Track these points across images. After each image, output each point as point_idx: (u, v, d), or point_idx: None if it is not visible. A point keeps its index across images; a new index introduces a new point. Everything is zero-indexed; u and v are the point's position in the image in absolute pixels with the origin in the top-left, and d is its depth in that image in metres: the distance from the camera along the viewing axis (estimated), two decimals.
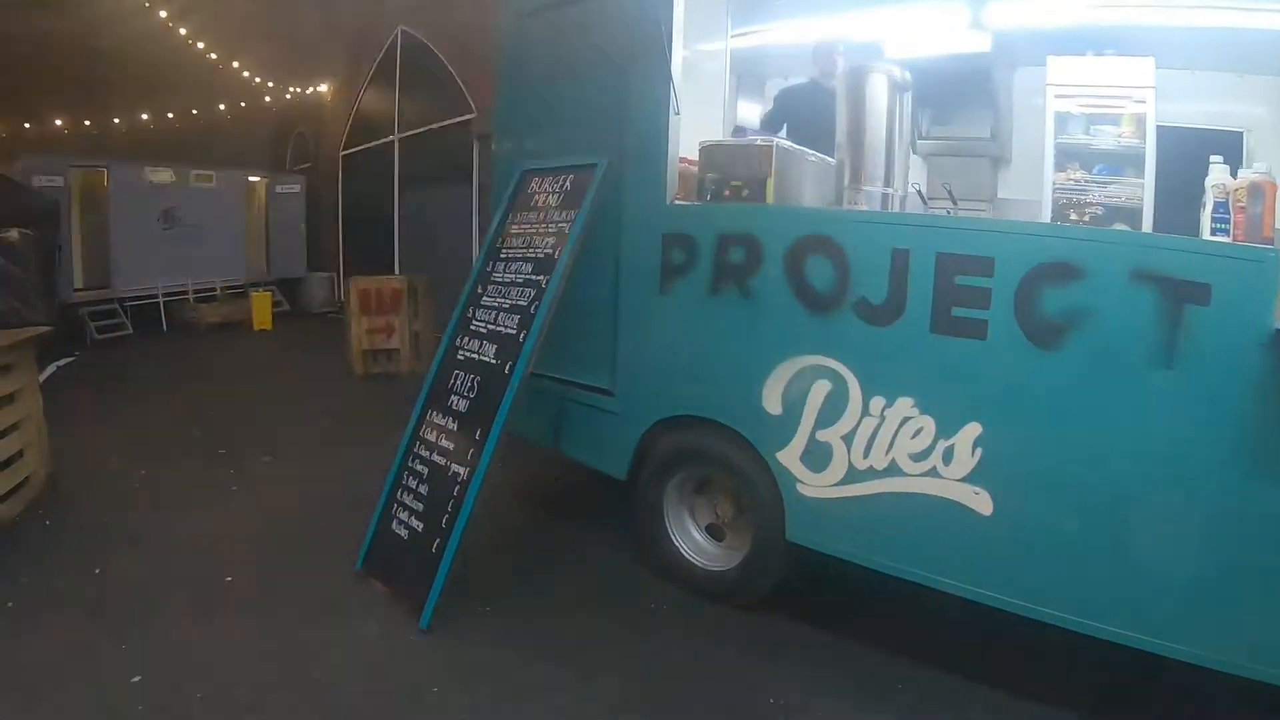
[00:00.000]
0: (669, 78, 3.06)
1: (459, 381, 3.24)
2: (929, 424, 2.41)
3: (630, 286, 3.25)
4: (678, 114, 3.09)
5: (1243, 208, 2.72)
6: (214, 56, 11.76)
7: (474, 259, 9.29)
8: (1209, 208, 2.88)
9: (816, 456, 2.63)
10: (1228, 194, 2.80)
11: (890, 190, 3.26)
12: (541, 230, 3.33)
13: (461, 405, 3.17)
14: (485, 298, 3.37)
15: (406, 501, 3.16)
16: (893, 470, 2.47)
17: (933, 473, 2.40)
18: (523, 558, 3.46)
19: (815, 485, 2.65)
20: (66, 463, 4.46)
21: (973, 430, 2.34)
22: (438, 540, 2.92)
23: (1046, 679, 2.60)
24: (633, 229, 3.21)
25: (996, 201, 4.72)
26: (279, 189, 12.37)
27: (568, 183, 3.35)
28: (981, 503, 2.35)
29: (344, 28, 12.05)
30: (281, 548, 3.54)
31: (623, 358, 3.31)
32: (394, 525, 3.16)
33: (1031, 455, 2.27)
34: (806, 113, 4.03)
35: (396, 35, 10.81)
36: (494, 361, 3.14)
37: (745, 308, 2.76)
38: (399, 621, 2.89)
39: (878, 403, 2.49)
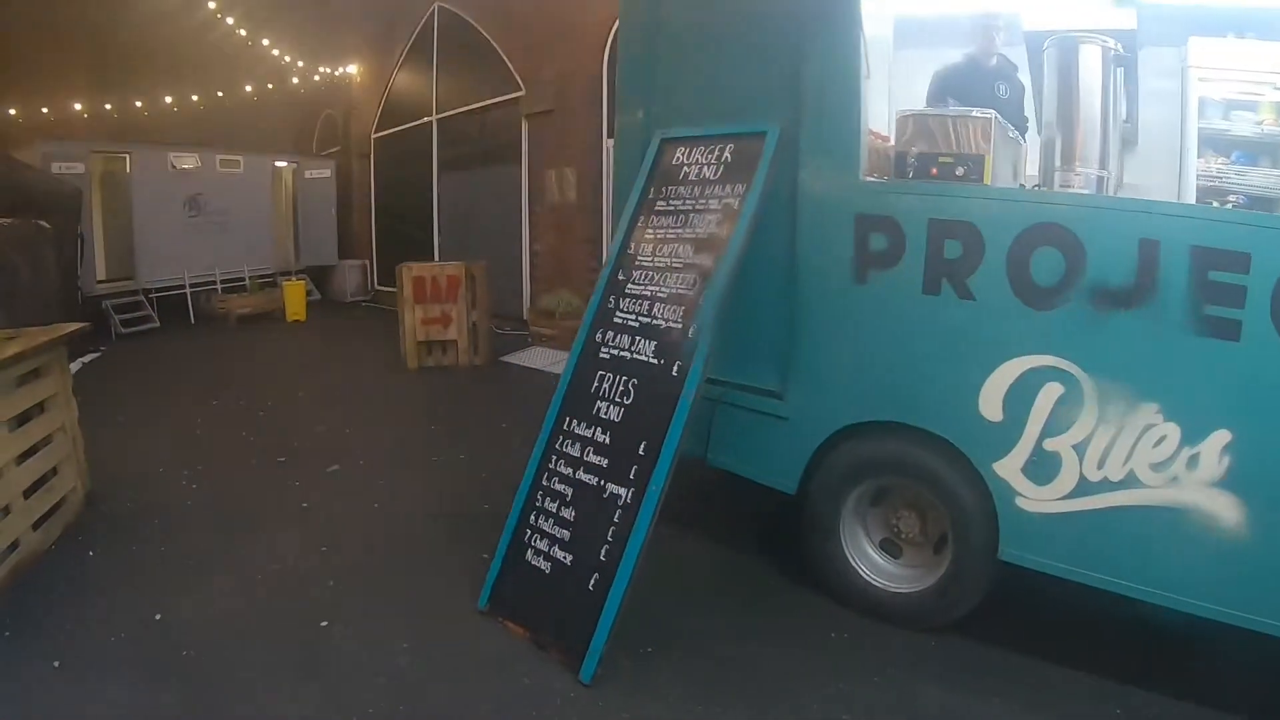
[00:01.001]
0: (859, 32, 2.59)
1: (606, 385, 2.72)
2: (1173, 431, 2.16)
3: (812, 275, 2.77)
4: (868, 77, 2.63)
5: None
6: (243, 33, 11.19)
7: (525, 243, 9.47)
8: None
9: (1042, 467, 2.34)
10: None
11: (1105, 173, 2.82)
12: (699, 207, 2.81)
13: (613, 413, 2.65)
14: (631, 285, 2.84)
15: (545, 528, 2.64)
16: (1130, 481, 2.23)
17: (1174, 483, 2.17)
18: (674, 584, 2.95)
19: (1038, 499, 2.37)
20: (105, 476, 3.92)
21: (1221, 438, 2.10)
22: (596, 576, 2.43)
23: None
24: (814, 208, 2.74)
25: (1124, 187, 4.31)
26: (308, 174, 11.84)
27: (727, 153, 2.84)
28: (1229, 516, 2.11)
29: (375, 4, 11.50)
30: (379, 582, 3.03)
31: (800, 356, 2.83)
32: (529, 556, 2.65)
33: None
34: (967, 93, 3.58)
35: (434, 11, 10.24)
36: (655, 361, 2.62)
37: (964, 306, 2.42)
38: (550, 673, 2.41)
39: (1116, 409, 2.21)
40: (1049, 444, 2.32)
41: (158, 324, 9.30)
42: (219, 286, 10.34)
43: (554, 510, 2.65)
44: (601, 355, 2.80)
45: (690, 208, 2.83)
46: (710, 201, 2.78)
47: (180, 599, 2.83)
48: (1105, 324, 2.21)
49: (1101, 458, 2.25)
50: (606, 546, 2.44)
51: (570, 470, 2.67)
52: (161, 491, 3.94)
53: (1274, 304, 2.01)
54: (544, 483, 2.72)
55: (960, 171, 2.58)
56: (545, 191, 8.76)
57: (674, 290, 2.71)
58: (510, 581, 2.69)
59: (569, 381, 2.83)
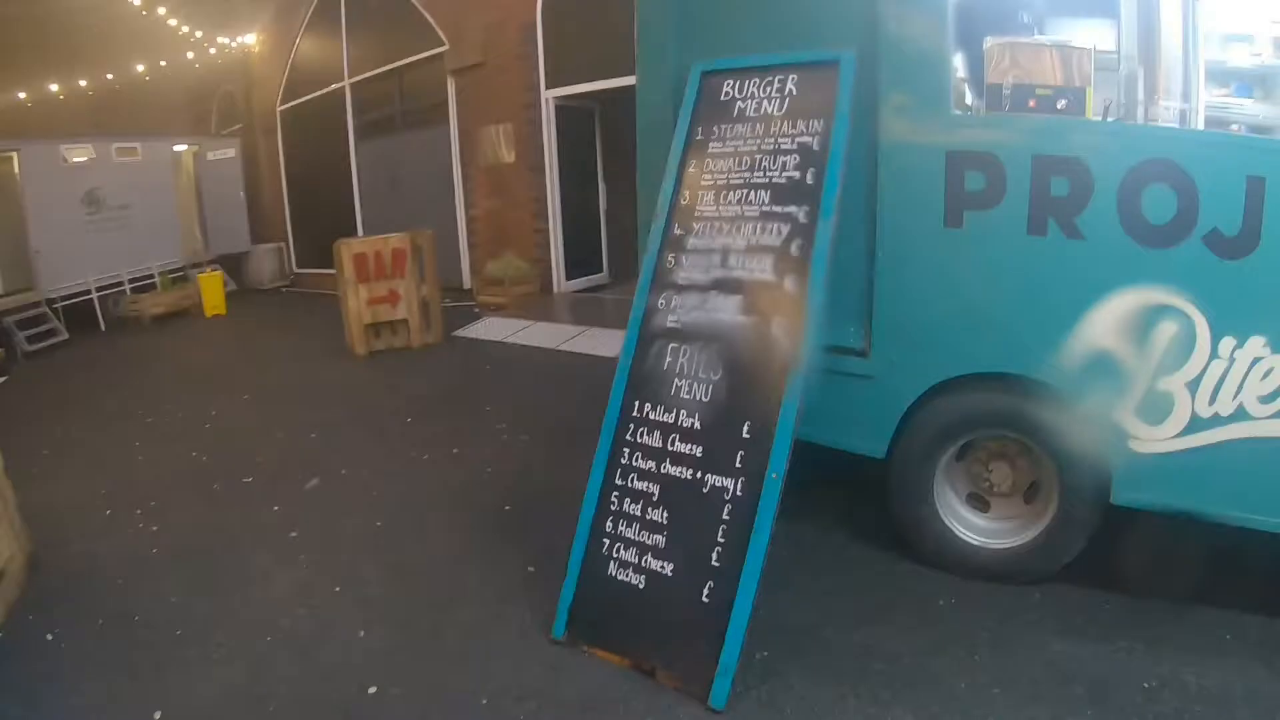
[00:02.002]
0: None
1: (684, 359, 2.35)
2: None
3: (897, 219, 2.48)
4: None
5: None
6: (137, 1, 9.79)
7: (460, 209, 8.79)
8: None
9: (1154, 408, 2.27)
10: None
11: (1188, 106, 2.71)
12: (766, 147, 2.45)
13: (700, 391, 2.28)
14: (694, 239, 2.47)
15: (630, 535, 2.28)
16: (1239, 415, 2.19)
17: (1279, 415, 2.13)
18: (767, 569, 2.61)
19: (1151, 439, 2.30)
20: (45, 531, 3.21)
21: None
22: (710, 584, 2.10)
23: None
24: (898, 145, 2.44)
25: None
26: (211, 156, 10.66)
27: (790, 85, 2.47)
28: None
29: None
30: (418, 621, 2.54)
31: (886, 309, 2.55)
32: (614, 571, 2.28)
33: None
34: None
35: None
36: (745, 319, 2.29)
37: (1072, 247, 2.27)
38: (670, 704, 2.06)
39: (1228, 344, 2.16)
40: (1163, 383, 2.24)
41: (66, 336, 8.20)
42: (127, 287, 9.19)
43: (638, 514, 2.27)
44: (669, 324, 2.41)
45: (756, 148, 2.45)
46: (782, 141, 2.41)
47: (177, 683, 2.27)
48: (1218, 260, 2.12)
49: (1213, 393, 2.19)
50: (719, 549, 2.10)
51: (653, 464, 2.29)
52: (117, 540, 3.29)
53: None
54: (619, 482, 2.34)
55: (1062, 104, 2.41)
56: (479, 152, 8.16)
57: (754, 241, 2.34)
58: (592, 602, 2.30)
59: (631, 359, 2.43)
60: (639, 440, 2.34)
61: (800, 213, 2.30)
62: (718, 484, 2.16)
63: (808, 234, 2.26)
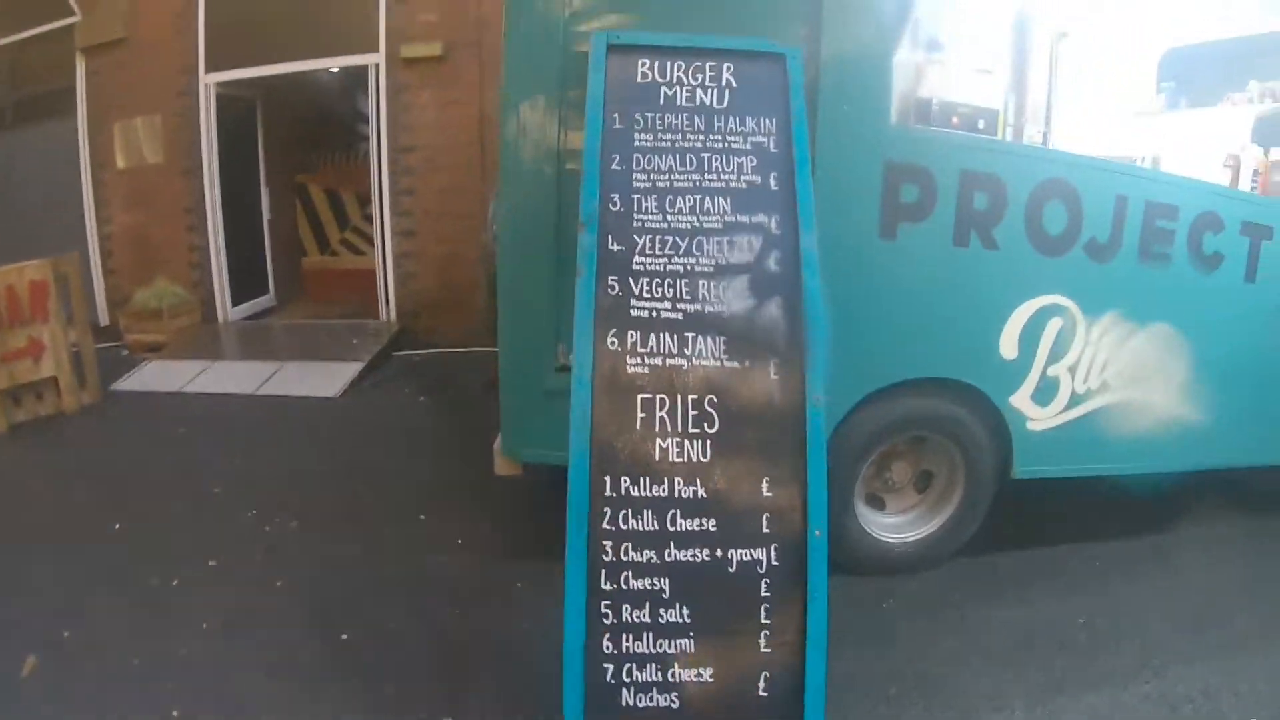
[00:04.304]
0: None
1: (664, 412, 1.86)
2: (1138, 341, 2.65)
3: (833, 231, 2.32)
4: None
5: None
6: None
7: (91, 224, 6.30)
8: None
9: (1046, 391, 2.63)
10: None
11: (1048, 130, 3.35)
12: (715, 145, 2.06)
13: (696, 450, 1.84)
14: (643, 257, 1.96)
15: (644, 649, 1.76)
16: (1103, 388, 2.66)
17: (1131, 384, 2.67)
18: None
19: (1042, 418, 2.66)
20: None
21: (1166, 335, 2.66)
22: (765, 674, 1.74)
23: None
24: (836, 153, 2.33)
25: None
26: None
27: (727, 75, 2.12)
28: (1165, 396, 2.70)
29: None
30: None
31: None
32: (629, 698, 1.74)
33: (1205, 345, 2.69)
34: None
35: None
36: (735, 364, 1.88)
37: (989, 257, 2.50)
38: None
39: (1097, 330, 2.61)
40: (1051, 370, 2.60)
41: None
42: None
43: (648, 620, 1.74)
44: (633, 370, 1.88)
45: (700, 145, 2.04)
46: (731, 140, 2.04)
47: None
48: (1092, 263, 2.54)
49: (1086, 374, 2.64)
50: (766, 632, 1.73)
51: (652, 554, 1.77)
52: None
53: (1189, 241, 2.60)
54: (607, 587, 1.75)
55: (981, 124, 2.69)
56: (118, 152, 6.17)
57: (724, 260, 1.94)
58: None
59: (588, 422, 1.84)
60: (624, 527, 1.79)
61: (771, 222, 1.98)
62: (745, 558, 1.77)
63: (785, 246, 1.96)
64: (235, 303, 6.50)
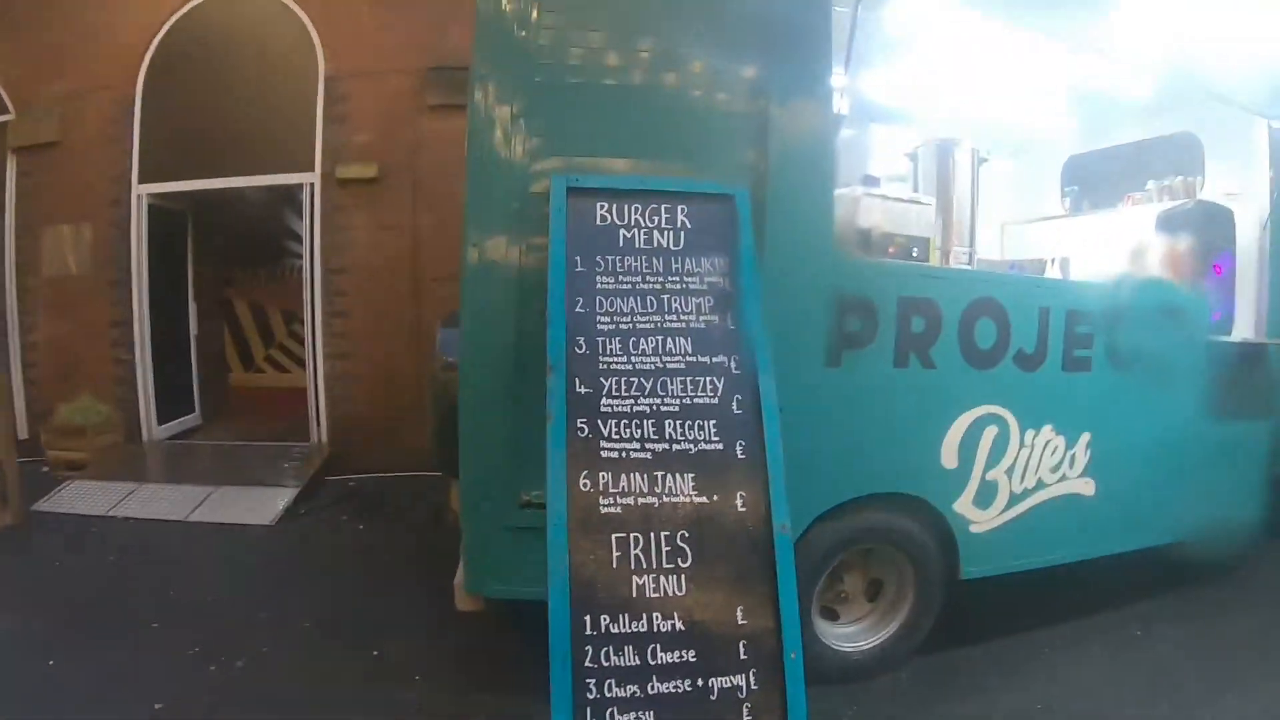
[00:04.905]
0: (830, 75, 2.43)
1: (638, 550, 1.94)
2: (1061, 441, 2.87)
3: (781, 362, 2.44)
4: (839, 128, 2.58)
5: None
6: None
7: (13, 333, 5.93)
8: None
9: (985, 495, 2.77)
10: None
11: (973, 250, 3.64)
12: (674, 286, 2.22)
13: (672, 585, 1.91)
14: (610, 399, 2.07)
15: None
16: (1039, 486, 2.86)
17: (1063, 478, 2.89)
18: None
19: (984, 520, 2.80)
20: None
21: (1086, 438, 2.91)
22: None
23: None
24: (784, 285, 2.41)
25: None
26: None
27: (682, 216, 2.30)
28: (1091, 492, 2.94)
29: None
30: None
31: None
32: None
33: (1120, 447, 2.94)
34: None
35: None
36: (705, 499, 1.99)
37: (927, 375, 2.64)
38: None
39: (1030, 434, 2.80)
40: (990, 475, 2.77)
41: None
42: None
43: None
44: (606, 510, 1.96)
45: (659, 287, 2.20)
46: (689, 280, 2.21)
47: None
48: (1021, 373, 2.75)
49: (1022, 474, 2.82)
50: None
51: (635, 689, 1.80)
52: None
53: (1109, 343, 2.84)
54: None
55: (915, 252, 2.88)
56: (44, 259, 6.00)
57: (689, 400, 2.07)
58: None
59: (566, 563, 1.89)
60: (605, 664, 1.82)
61: (730, 363, 2.13)
62: (726, 685, 1.83)
63: (745, 388, 2.10)
64: (161, 420, 6.23)
